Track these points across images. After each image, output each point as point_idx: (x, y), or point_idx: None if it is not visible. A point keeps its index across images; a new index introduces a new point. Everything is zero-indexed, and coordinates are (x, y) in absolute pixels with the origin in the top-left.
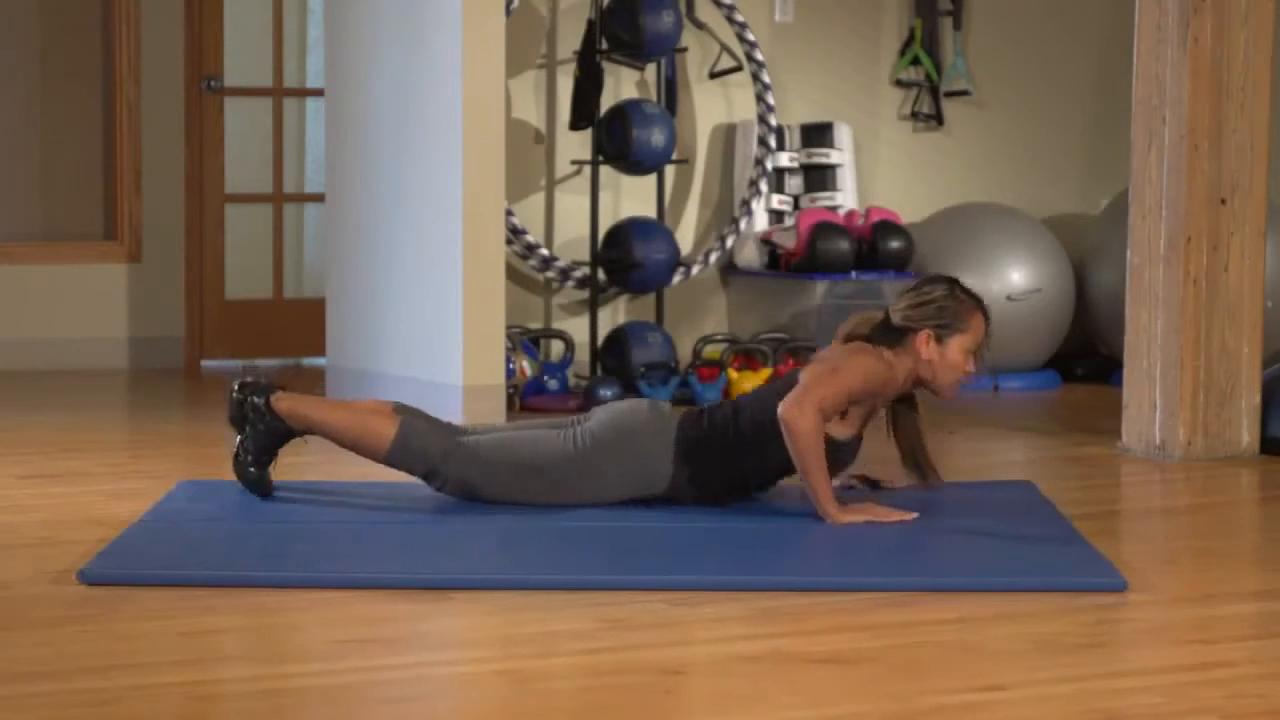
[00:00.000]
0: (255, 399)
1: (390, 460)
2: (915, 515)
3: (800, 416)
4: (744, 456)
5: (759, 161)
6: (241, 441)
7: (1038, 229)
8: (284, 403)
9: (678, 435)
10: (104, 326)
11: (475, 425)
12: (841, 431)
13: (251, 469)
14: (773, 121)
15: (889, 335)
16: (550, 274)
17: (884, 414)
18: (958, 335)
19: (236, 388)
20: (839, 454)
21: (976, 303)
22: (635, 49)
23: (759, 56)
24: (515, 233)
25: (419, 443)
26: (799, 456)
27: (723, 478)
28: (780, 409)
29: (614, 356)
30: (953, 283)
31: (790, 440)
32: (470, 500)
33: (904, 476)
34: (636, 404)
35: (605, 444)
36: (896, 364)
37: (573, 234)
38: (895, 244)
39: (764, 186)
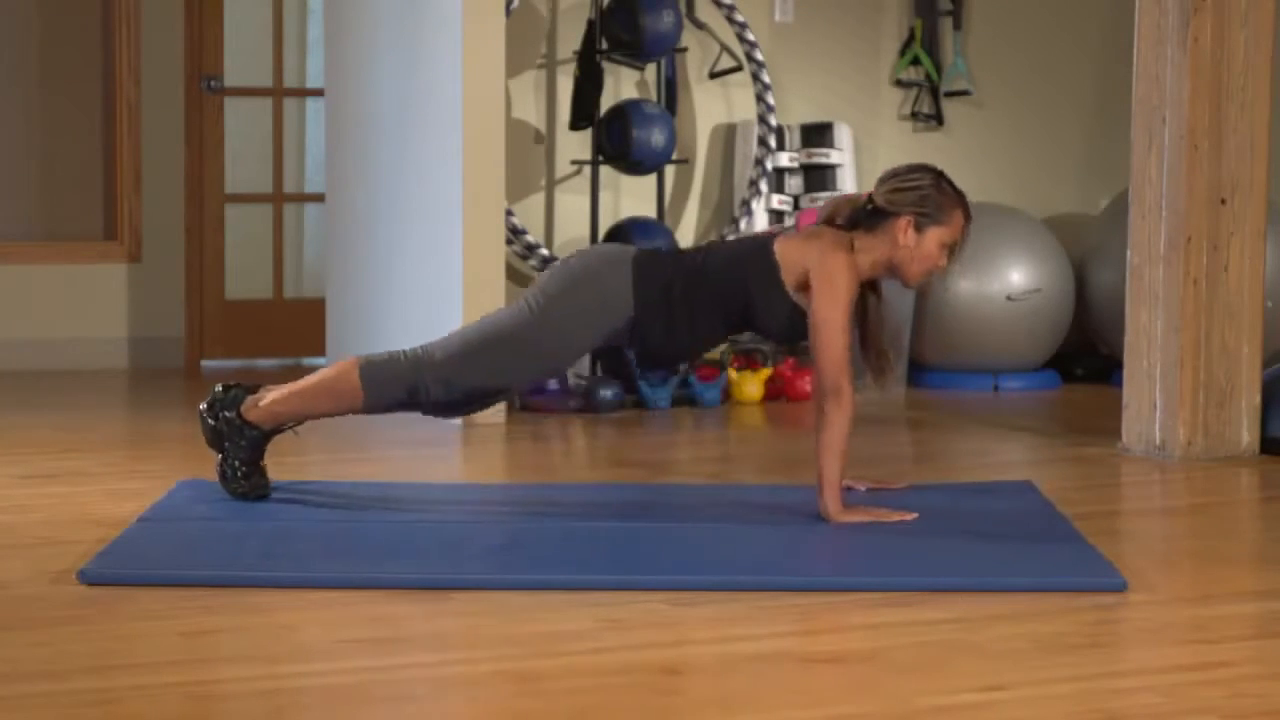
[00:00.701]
0: (226, 414)
1: (371, 405)
2: (915, 515)
3: (839, 402)
4: (705, 288)
5: (759, 161)
6: (225, 459)
7: (1038, 229)
8: (254, 411)
9: (634, 269)
10: (104, 326)
11: (427, 344)
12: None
13: (244, 481)
14: (773, 121)
15: (869, 216)
16: None
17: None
18: (937, 227)
19: (205, 409)
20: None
21: (960, 198)
22: (635, 49)
23: (759, 56)
24: (515, 233)
25: (386, 373)
26: (827, 442)
27: (683, 309)
28: (823, 390)
29: (613, 356)
30: (939, 174)
31: (825, 426)
32: (460, 398)
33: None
34: (582, 250)
35: (557, 294)
36: (870, 247)
37: (573, 234)
38: None
39: (764, 186)
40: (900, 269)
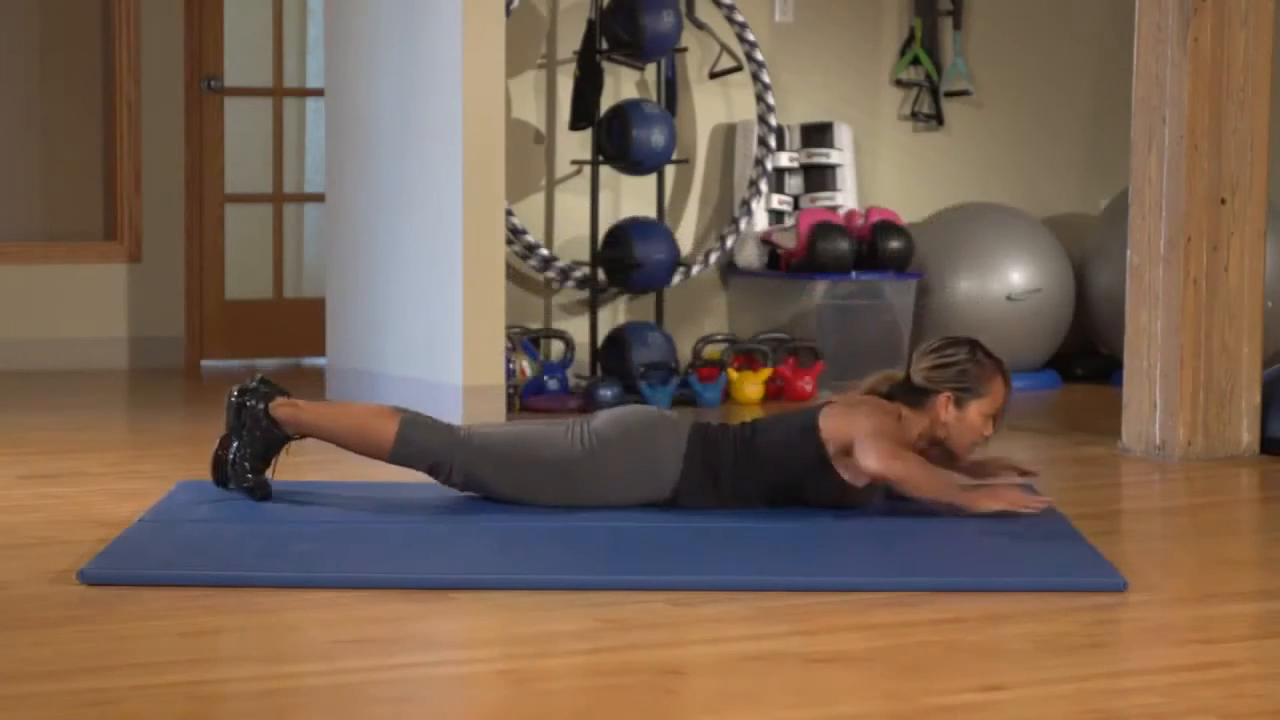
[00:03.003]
0: (255, 404)
1: (395, 458)
2: (1049, 500)
3: (896, 466)
4: (753, 472)
5: (759, 161)
6: (238, 448)
7: (1038, 229)
8: (283, 410)
9: (689, 441)
10: (104, 326)
11: (471, 426)
12: (859, 478)
13: (250, 476)
14: (773, 121)
15: (909, 394)
16: (550, 274)
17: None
18: (977, 400)
19: (235, 393)
20: (857, 495)
21: (997, 366)
22: (635, 49)
23: (759, 56)
24: (515, 233)
25: (422, 437)
26: (922, 492)
27: (730, 488)
28: (877, 469)
29: (614, 357)
30: (974, 345)
31: (905, 488)
32: (476, 493)
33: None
34: (642, 408)
35: (613, 443)
36: (913, 422)
37: (573, 234)
38: (895, 244)
39: (764, 186)
40: (947, 443)
